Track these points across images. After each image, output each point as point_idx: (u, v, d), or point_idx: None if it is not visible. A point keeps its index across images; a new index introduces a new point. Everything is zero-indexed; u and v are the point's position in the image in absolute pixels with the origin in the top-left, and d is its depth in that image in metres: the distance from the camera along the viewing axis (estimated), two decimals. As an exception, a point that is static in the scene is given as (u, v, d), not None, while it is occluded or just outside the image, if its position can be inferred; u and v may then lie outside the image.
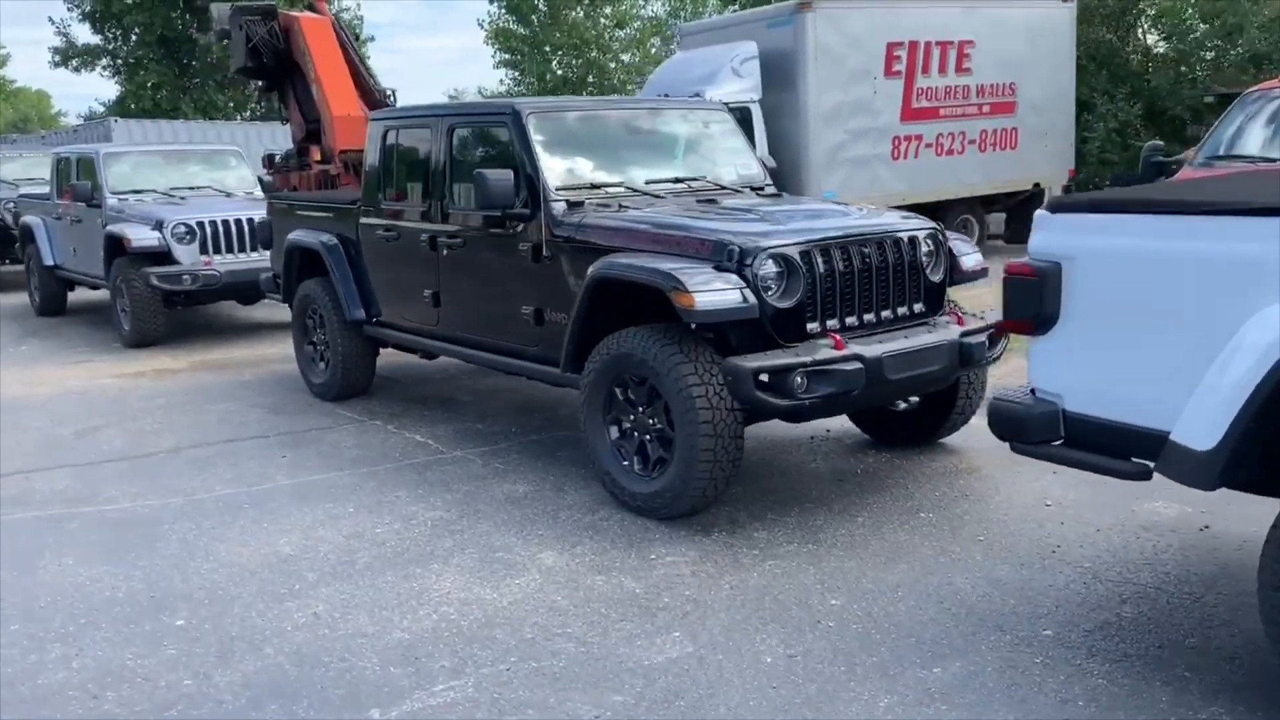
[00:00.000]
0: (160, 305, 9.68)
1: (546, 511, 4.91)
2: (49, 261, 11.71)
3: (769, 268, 4.47)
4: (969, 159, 13.22)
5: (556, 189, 5.35)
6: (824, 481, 5.19)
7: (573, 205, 5.32)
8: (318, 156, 12.26)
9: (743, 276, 4.42)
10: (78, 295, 12.21)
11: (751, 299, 4.38)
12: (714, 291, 4.34)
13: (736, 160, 6.13)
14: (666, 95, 11.27)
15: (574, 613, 3.81)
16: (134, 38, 42.57)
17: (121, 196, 10.39)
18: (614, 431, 4.85)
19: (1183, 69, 17.89)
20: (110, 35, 43.43)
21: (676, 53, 14.21)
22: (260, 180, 11.46)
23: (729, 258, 4.46)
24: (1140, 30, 19.08)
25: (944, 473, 5.23)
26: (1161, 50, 18.72)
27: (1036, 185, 13.93)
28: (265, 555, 4.47)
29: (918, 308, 4.94)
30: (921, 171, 12.70)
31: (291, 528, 4.80)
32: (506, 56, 32.77)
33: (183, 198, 10.50)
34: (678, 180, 5.78)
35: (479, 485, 5.33)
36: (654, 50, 33.20)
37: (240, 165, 11.33)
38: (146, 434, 6.58)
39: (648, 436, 4.70)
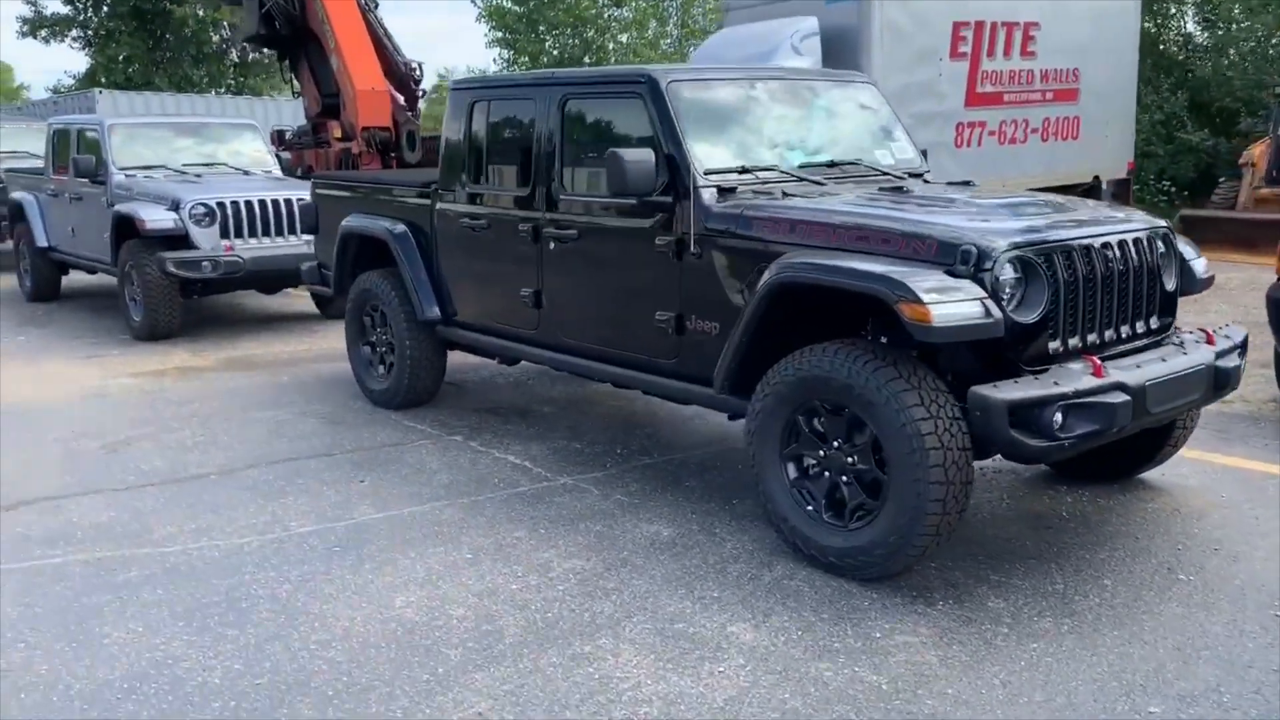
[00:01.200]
0: (176, 294, 8.70)
1: (709, 564, 4.06)
2: (42, 242, 10.66)
3: (1008, 273, 3.66)
4: (1031, 148, 12.46)
5: (705, 173, 4.50)
6: (1025, 528, 4.38)
7: (724, 192, 4.47)
8: (338, 133, 11.29)
9: (979, 283, 3.60)
10: (72, 279, 11.18)
11: (995, 312, 3.55)
12: (953, 302, 3.50)
13: (891, 142, 5.29)
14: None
15: (818, 719, 2.99)
16: (105, 9, 41.09)
17: (129, 173, 9.37)
18: (792, 469, 4.02)
19: (1225, 60, 17.25)
20: (80, 6, 41.90)
21: (723, 28, 13.33)
22: (278, 158, 10.46)
23: (963, 260, 3.62)
24: (1180, 19, 18.43)
25: (1167, 516, 4.45)
26: (1203, 40, 18.09)
27: (1095, 178, 13.21)
28: (386, 623, 3.60)
29: (1155, 322, 4.15)
30: (984, 161, 11.90)
31: (406, 582, 3.93)
32: (499, 34, 31.70)
33: (198, 175, 9.51)
34: (832, 164, 4.94)
35: (609, 524, 4.48)
36: (650, 33, 32.26)
37: (258, 141, 10.33)
38: (189, 450, 5.66)
39: (843, 478, 3.87)
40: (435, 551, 4.22)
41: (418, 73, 11.77)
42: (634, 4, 31.49)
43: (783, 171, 4.69)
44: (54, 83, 57.66)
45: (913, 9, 11.27)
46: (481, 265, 5.68)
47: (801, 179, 4.66)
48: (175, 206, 8.56)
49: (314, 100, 12.00)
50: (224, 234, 8.69)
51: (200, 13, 39.29)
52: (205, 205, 8.65)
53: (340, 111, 11.49)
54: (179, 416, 6.34)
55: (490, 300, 5.67)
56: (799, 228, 4.08)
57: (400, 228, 6.13)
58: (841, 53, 11.08)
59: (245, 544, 4.33)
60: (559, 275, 5.17)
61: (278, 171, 10.17)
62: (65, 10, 41.64)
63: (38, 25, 42.01)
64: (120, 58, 41.06)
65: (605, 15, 30.67)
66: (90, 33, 42.33)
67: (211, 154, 10.02)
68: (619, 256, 4.84)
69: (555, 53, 30.74)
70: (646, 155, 4.45)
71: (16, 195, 11.07)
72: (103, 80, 42.37)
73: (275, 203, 8.93)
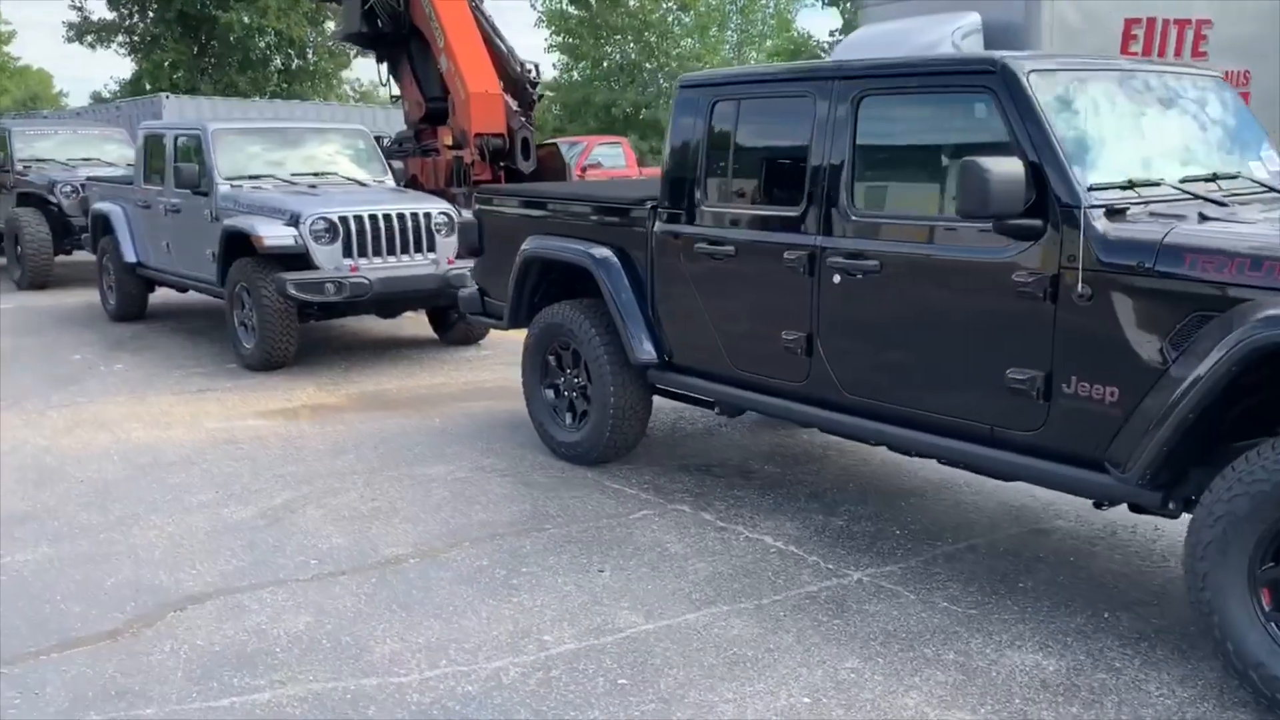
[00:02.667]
0: (293, 320, 7.74)
1: None
2: (130, 258, 9.74)
3: None
4: (1195, 158, 11.41)
5: (1090, 188, 3.47)
6: None
7: (1113, 213, 3.44)
8: (448, 140, 10.31)
9: None
10: (157, 296, 10.27)
11: None
12: None
13: (1260, 149, 4.24)
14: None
15: None
16: (151, 14, 40.67)
17: (234, 183, 8.44)
18: (1267, 599, 2.96)
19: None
20: (126, 11, 41.51)
21: (861, 25, 12.30)
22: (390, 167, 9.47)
23: None
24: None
25: None
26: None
27: (1259, 189, 12.10)
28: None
29: None
30: (1150, 172, 10.87)
31: (749, 745, 2.92)
32: (560, 39, 30.90)
33: (311, 186, 8.56)
34: (1214, 177, 3.89)
35: (963, 651, 3.42)
36: (712, 37, 31.35)
37: (371, 147, 9.38)
38: (364, 519, 4.67)
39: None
40: (754, 690, 3.18)
41: (533, 74, 10.80)
42: (698, 7, 30.61)
43: (1174, 187, 3.65)
44: (96, 90, 57.40)
45: (1083, 5, 10.17)
46: (721, 300, 4.65)
47: (1197, 196, 3.62)
48: (295, 221, 7.60)
49: (416, 105, 11.05)
50: (346, 252, 7.75)
51: (246, 19, 38.80)
52: (327, 220, 7.68)
53: (448, 116, 10.53)
54: (335, 472, 5.35)
55: (732, 342, 4.63)
56: (1268, 265, 3.04)
57: (605, 253, 5.12)
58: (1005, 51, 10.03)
59: (501, 671, 3.31)
60: (844, 316, 4.14)
61: (390, 181, 9.21)
62: (111, 16, 41.30)
63: (84, 31, 41.66)
64: (166, 64, 40.66)
65: (669, 19, 29.80)
66: (136, 38, 41.97)
67: (321, 162, 9.07)
68: (947, 295, 3.80)
69: (617, 57, 29.89)
70: (1015, 166, 3.42)
71: (102, 207, 10.17)
72: (147, 86, 41.93)
73: (401, 217, 7.96)
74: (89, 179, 11.14)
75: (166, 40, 40.17)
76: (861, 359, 4.13)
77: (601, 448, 5.28)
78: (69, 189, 12.42)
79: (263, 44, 41.50)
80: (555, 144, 10.51)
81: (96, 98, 51.00)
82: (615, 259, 5.08)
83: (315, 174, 8.87)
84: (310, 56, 42.75)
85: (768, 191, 4.48)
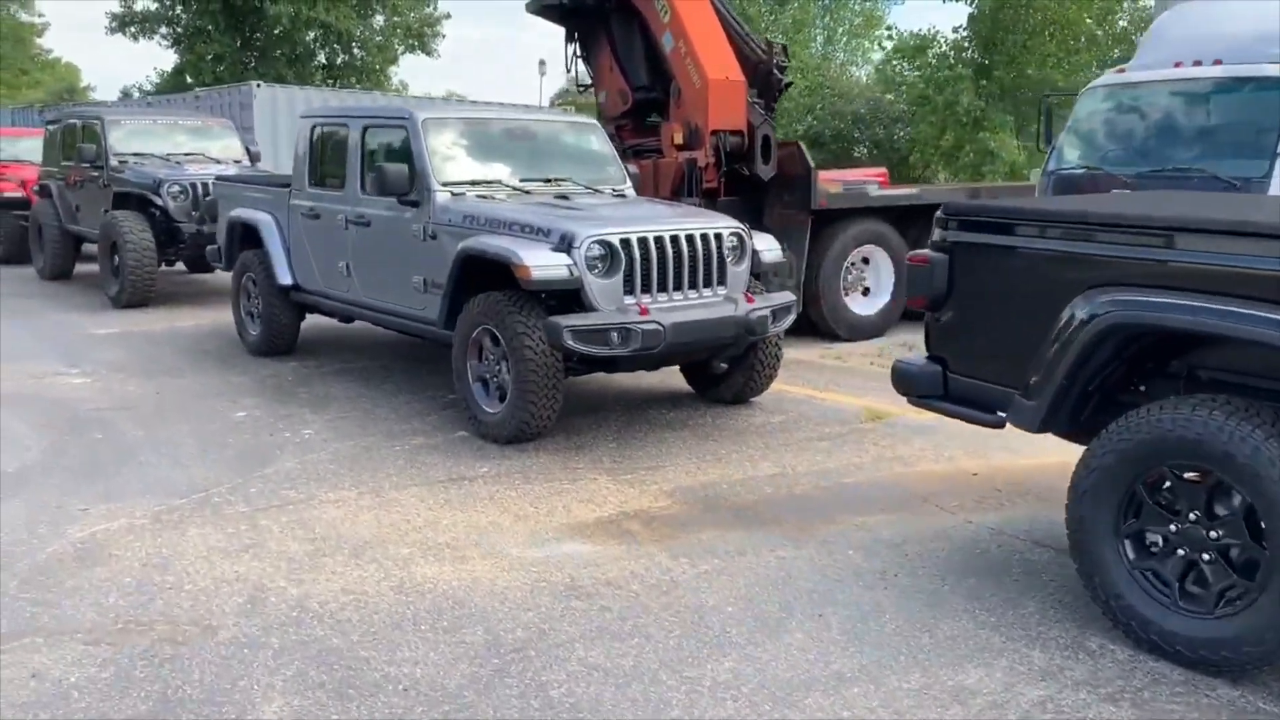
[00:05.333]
0: (560, 376, 5.65)
1: None
2: (284, 280, 7.65)
3: None
4: None
5: None
6: None
7: None
8: (678, 138, 8.19)
9: None
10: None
11: None
12: None
13: None
14: (1219, 61, 7.56)
15: None
16: (195, 5, 38.84)
17: (456, 190, 6.36)
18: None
19: None
20: (169, 3, 39.71)
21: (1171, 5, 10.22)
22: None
23: None
24: None
25: None
26: None
27: None
28: None
29: None
30: None
31: None
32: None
33: (562, 197, 6.46)
34: None
35: None
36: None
37: (606, 145, 7.26)
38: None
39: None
40: None
41: (779, 57, 8.68)
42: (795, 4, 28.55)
43: None
44: (126, 85, 55.29)
45: None
46: None
47: None
48: (567, 245, 5.51)
49: (619, 95, 8.94)
50: (627, 287, 5.66)
51: (293, 10, 36.91)
52: (606, 244, 5.58)
53: (669, 109, 8.44)
54: (801, 674, 3.26)
55: None
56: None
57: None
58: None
59: None
60: None
61: (632, 190, 7.11)
62: (154, 6, 39.48)
63: (127, 21, 39.82)
64: (209, 56, 38.80)
65: (770, 16, 27.73)
66: (179, 30, 40.15)
67: (553, 164, 6.97)
68: None
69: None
70: None
71: (245, 214, 8.07)
72: (189, 79, 40.06)
73: (691, 240, 5.86)
74: (218, 179, 9.04)
75: (212, 32, 38.34)
76: None
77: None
78: (177, 189, 10.36)
79: (310, 37, 39.70)
80: (798, 144, 8.41)
81: (126, 92, 49.09)
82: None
83: (547, 180, 6.78)
84: (357, 51, 40.90)
85: None
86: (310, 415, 6.36)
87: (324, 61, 41.39)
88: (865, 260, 8.97)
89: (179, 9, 39.57)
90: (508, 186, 6.50)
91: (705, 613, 3.65)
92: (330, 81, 40.85)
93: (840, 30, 32.30)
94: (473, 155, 6.66)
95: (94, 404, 6.57)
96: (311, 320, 8.01)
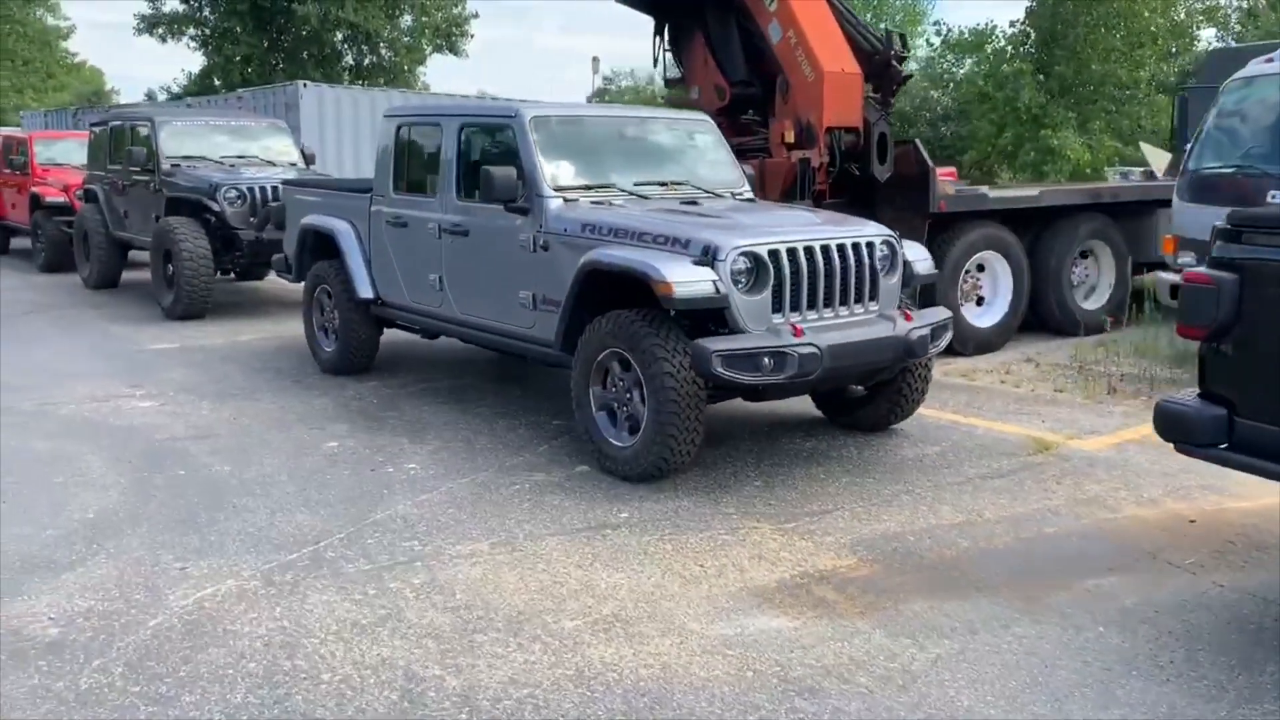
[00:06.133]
0: (702, 406, 4.97)
1: None
2: (365, 293, 7.00)
3: None
4: None
5: None
6: None
7: None
8: (789, 135, 7.50)
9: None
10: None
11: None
12: None
13: None
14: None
15: None
16: (222, 6, 38.48)
17: (568, 196, 5.70)
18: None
19: None
20: (196, 3, 39.37)
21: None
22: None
23: None
24: None
25: None
26: None
27: None
28: None
29: None
30: None
31: None
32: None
33: (691, 203, 5.78)
34: None
35: None
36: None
37: (721, 143, 6.58)
38: None
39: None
40: None
41: (898, 47, 7.98)
42: None
43: None
44: (150, 88, 54.93)
45: None
46: None
47: None
48: (710, 257, 4.84)
49: (713, 90, 8.25)
50: (776, 304, 4.98)
51: (322, 11, 36.48)
52: (753, 256, 4.91)
53: (773, 105, 7.76)
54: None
55: None
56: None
57: None
58: None
59: None
60: None
61: (750, 193, 6.43)
62: (182, 8, 39.13)
63: (155, 23, 39.47)
64: (237, 57, 38.44)
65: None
66: (208, 31, 39.79)
67: (669, 166, 6.30)
68: None
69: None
70: None
71: (319, 221, 7.43)
72: (217, 81, 39.66)
73: (842, 250, 5.19)
74: (286, 183, 8.41)
75: (239, 33, 37.95)
76: None
77: None
78: (234, 194, 9.76)
79: (338, 37, 39.27)
80: (914, 143, 7.72)
81: (150, 95, 48.70)
82: None
83: (662, 183, 6.12)
84: (384, 52, 40.41)
85: None
86: (409, 445, 5.71)
87: (351, 62, 40.99)
88: (980, 268, 8.27)
89: (206, 10, 39.22)
90: (623, 191, 5.84)
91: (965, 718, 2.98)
92: (359, 82, 40.38)
93: (880, 26, 31.53)
94: (583, 157, 6.00)
95: (168, 432, 5.95)
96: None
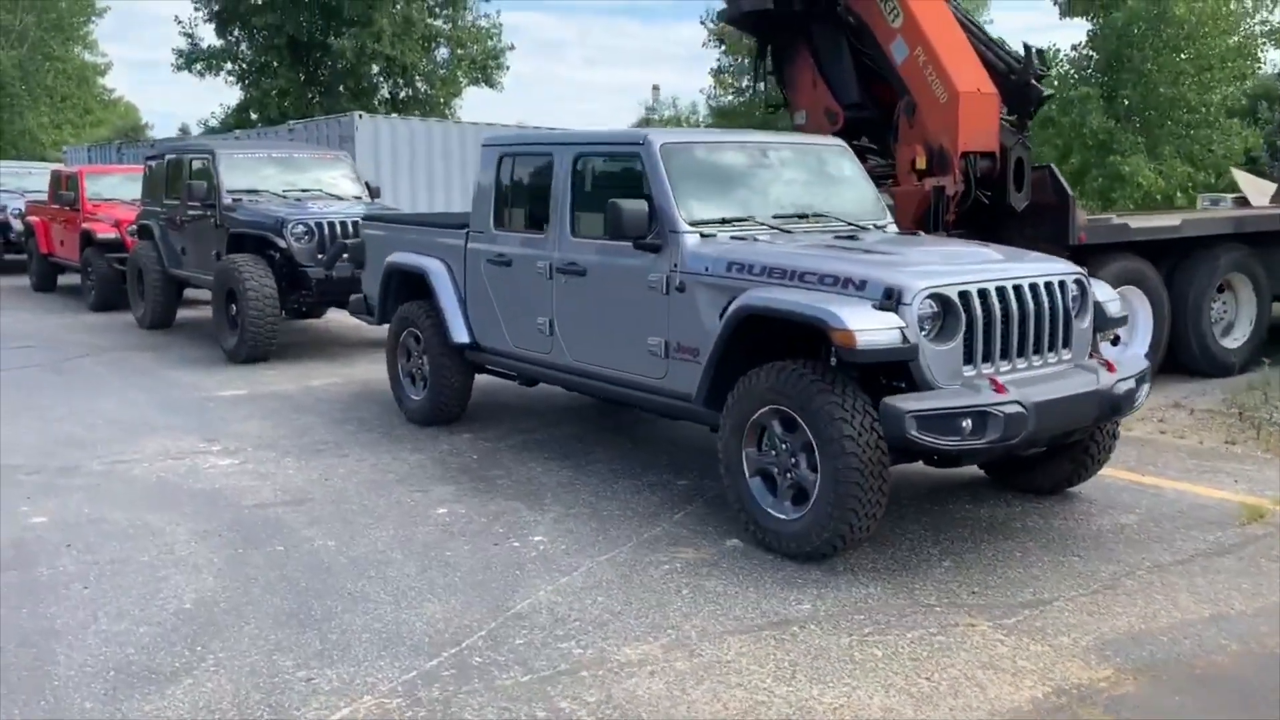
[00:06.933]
0: (889, 474, 4.29)
1: None
2: (460, 338, 6.38)
3: None
4: None
5: None
6: None
7: None
8: (920, 161, 6.85)
9: None
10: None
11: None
12: None
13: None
14: None
15: None
16: (259, 41, 38.49)
17: (705, 231, 5.06)
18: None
19: None
20: (233, 38, 39.42)
21: None
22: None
23: None
24: None
25: None
26: None
27: None
28: None
29: None
30: None
31: None
32: (730, 61, 27.72)
33: (850, 238, 5.12)
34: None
35: None
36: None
37: (859, 171, 5.93)
38: None
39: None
40: None
41: (1035, 65, 7.31)
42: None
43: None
44: (184, 122, 55.05)
45: None
46: None
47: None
48: (894, 300, 4.17)
49: (824, 114, 7.62)
50: (967, 355, 4.30)
51: (358, 45, 36.39)
52: (941, 299, 4.24)
53: (897, 128, 7.12)
54: None
55: None
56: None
57: None
58: None
59: None
60: None
61: (894, 225, 5.78)
62: (219, 43, 39.18)
63: (193, 59, 39.50)
64: (273, 91, 38.41)
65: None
66: (244, 65, 39.83)
67: (809, 195, 5.65)
68: None
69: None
70: None
71: (404, 260, 6.83)
72: (253, 115, 39.63)
73: (1035, 289, 4.51)
74: (366, 218, 7.82)
75: (276, 68, 37.94)
76: None
77: None
78: (301, 229, 9.20)
79: (374, 70, 39.23)
80: (1050, 168, 7.05)
81: (184, 130, 48.77)
82: None
83: (803, 215, 5.46)
84: (419, 85, 40.28)
85: None
86: (527, 513, 5.05)
87: (387, 95, 40.93)
88: (1117, 304, 7.54)
89: (243, 45, 39.26)
90: (763, 225, 5.19)
91: None
92: (395, 115, 40.26)
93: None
94: (717, 187, 5.37)
95: (256, 497, 5.32)
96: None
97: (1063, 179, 6.95)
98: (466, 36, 39.74)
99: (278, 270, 9.22)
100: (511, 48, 42.62)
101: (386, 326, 7.19)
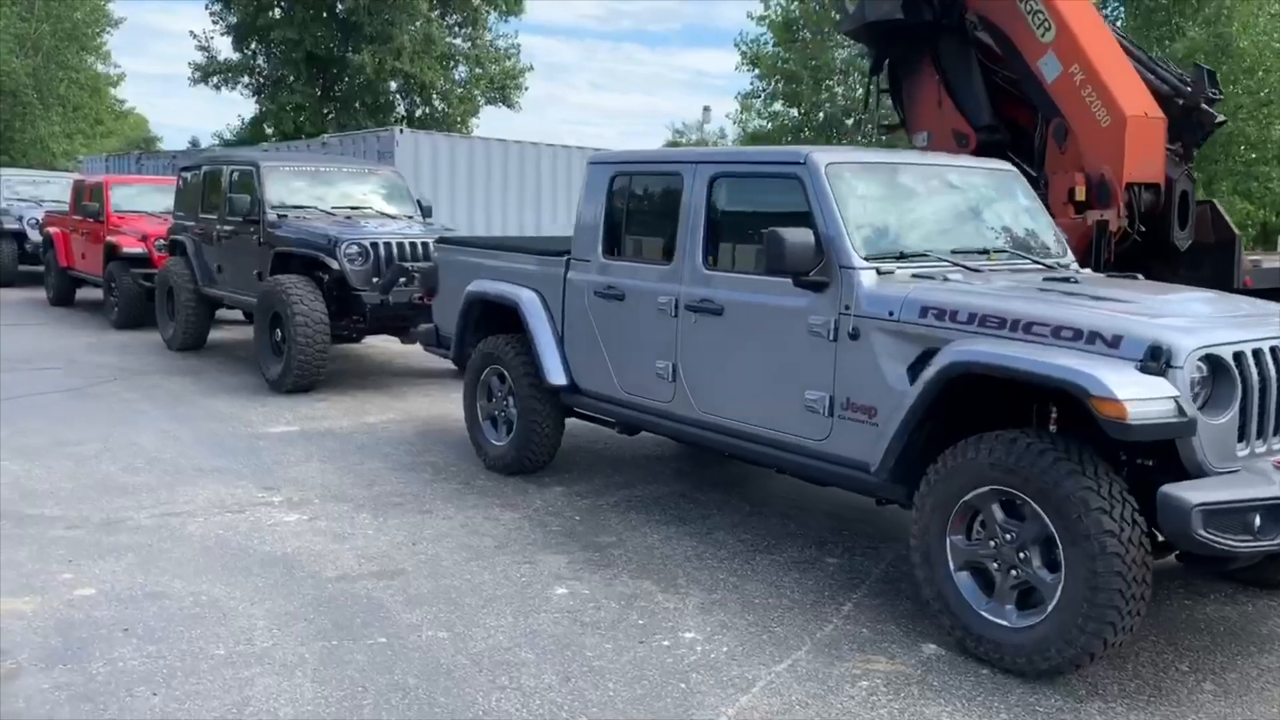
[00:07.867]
0: (1149, 580, 3.47)
1: None
2: (557, 379, 5.56)
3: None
4: None
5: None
6: None
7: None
8: (1080, 193, 6.06)
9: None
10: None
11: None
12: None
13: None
14: None
15: None
16: (276, 55, 37.96)
17: (882, 269, 4.24)
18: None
19: None
20: (249, 52, 38.91)
21: None
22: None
23: None
24: None
25: None
26: None
27: None
28: None
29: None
30: None
31: None
32: (764, 85, 27.05)
33: (1064, 280, 4.31)
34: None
35: None
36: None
37: (1034, 201, 5.13)
38: None
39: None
40: None
41: (1207, 87, 6.52)
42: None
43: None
44: (186, 135, 54.34)
45: None
46: None
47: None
48: (1162, 361, 3.35)
49: (952, 136, 6.84)
50: (1241, 431, 3.49)
51: (377, 61, 35.83)
52: (1214, 359, 3.43)
53: (1043, 154, 6.34)
54: None
55: None
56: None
57: None
58: None
59: None
60: None
61: (1075, 262, 4.97)
62: (235, 57, 38.66)
63: (210, 72, 38.94)
64: (290, 106, 37.85)
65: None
66: (261, 79, 39.30)
67: (978, 225, 4.85)
68: None
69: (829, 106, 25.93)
70: None
71: (490, 289, 6.02)
72: (269, 130, 39.01)
73: (1298, 351, 3.71)
74: (441, 241, 7.00)
75: (293, 82, 37.37)
76: None
77: None
78: (354, 250, 8.40)
79: (392, 87, 38.70)
80: (1212, 203, 6.28)
81: (194, 142, 48.11)
82: None
83: (982, 250, 4.66)
84: (437, 103, 39.69)
85: None
86: (662, 597, 4.22)
87: (404, 112, 40.41)
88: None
89: (260, 59, 38.73)
90: (945, 261, 4.39)
91: None
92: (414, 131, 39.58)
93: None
94: (889, 216, 4.57)
95: (336, 566, 4.49)
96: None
97: (1227, 216, 6.16)
98: (486, 56, 39.27)
99: (327, 294, 8.42)
100: (530, 69, 42.11)
101: (446, 357, 6.39)
